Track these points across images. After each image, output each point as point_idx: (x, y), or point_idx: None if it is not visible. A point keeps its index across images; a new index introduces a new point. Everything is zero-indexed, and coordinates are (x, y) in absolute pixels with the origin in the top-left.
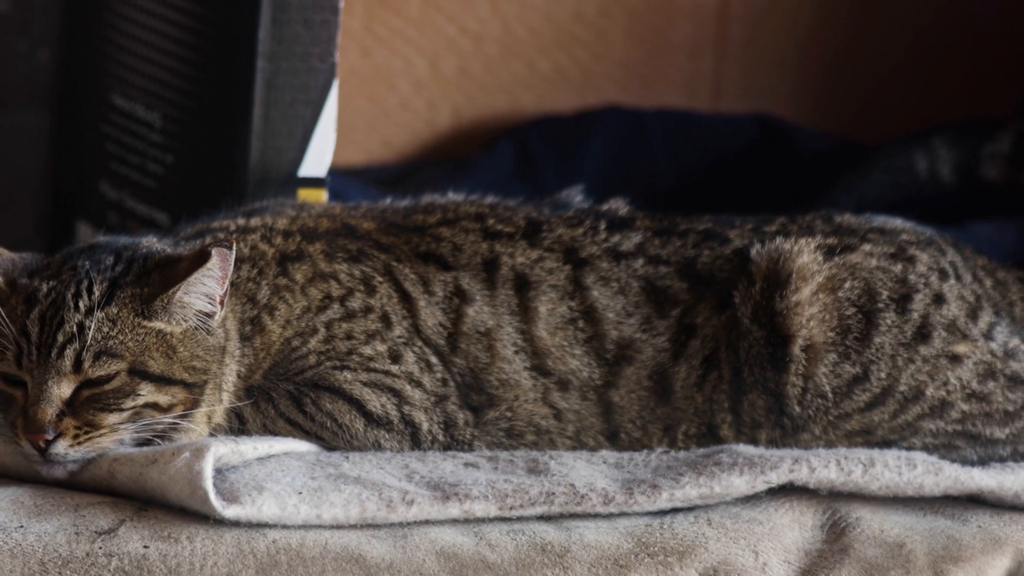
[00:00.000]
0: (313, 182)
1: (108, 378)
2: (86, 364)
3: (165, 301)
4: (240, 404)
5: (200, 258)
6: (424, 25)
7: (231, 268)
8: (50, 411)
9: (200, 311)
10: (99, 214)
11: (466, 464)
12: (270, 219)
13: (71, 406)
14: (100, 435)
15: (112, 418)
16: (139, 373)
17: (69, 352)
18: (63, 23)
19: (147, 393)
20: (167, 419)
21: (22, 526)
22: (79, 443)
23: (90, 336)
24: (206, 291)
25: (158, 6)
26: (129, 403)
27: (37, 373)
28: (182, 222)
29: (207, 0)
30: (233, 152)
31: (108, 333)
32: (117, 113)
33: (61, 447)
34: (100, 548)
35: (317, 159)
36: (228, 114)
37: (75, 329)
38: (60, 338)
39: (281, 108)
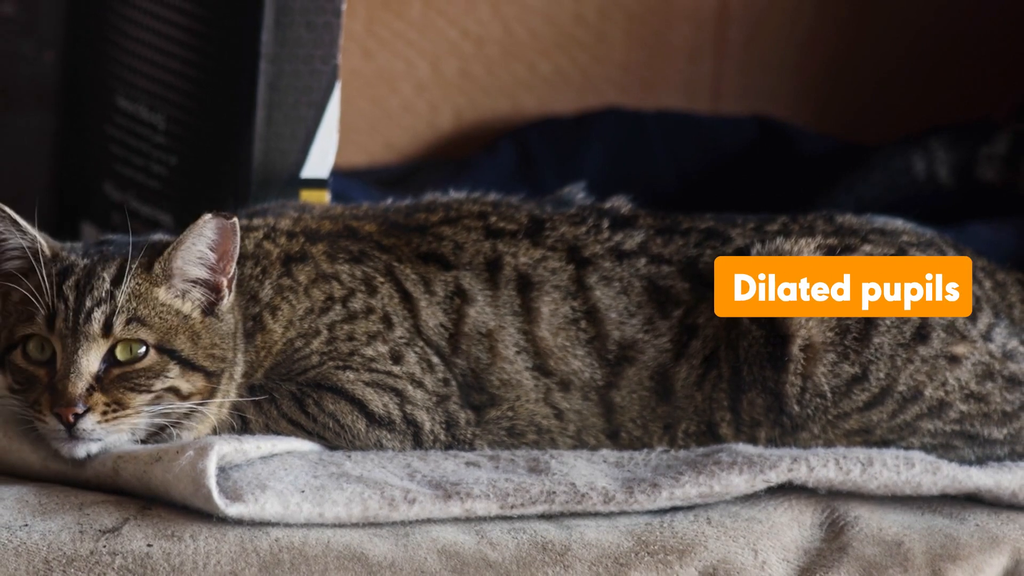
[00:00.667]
0: (316, 183)
1: (139, 357)
2: (117, 327)
3: (163, 263)
4: (243, 400)
5: (194, 224)
6: (426, 27)
7: (236, 244)
8: (81, 384)
9: (199, 279)
10: (104, 215)
11: (467, 463)
12: (272, 220)
13: (100, 383)
14: (126, 415)
15: (139, 399)
16: (168, 352)
17: (98, 315)
18: (68, 26)
19: (174, 376)
20: (185, 406)
21: (27, 524)
22: (107, 420)
23: (120, 302)
24: (199, 255)
25: (162, 9)
26: (158, 384)
27: (69, 343)
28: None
29: (210, 2)
30: (236, 153)
31: (136, 304)
32: (121, 115)
33: (89, 422)
34: (104, 546)
35: (320, 160)
36: (231, 116)
37: (105, 295)
38: (88, 303)
39: (284, 110)
